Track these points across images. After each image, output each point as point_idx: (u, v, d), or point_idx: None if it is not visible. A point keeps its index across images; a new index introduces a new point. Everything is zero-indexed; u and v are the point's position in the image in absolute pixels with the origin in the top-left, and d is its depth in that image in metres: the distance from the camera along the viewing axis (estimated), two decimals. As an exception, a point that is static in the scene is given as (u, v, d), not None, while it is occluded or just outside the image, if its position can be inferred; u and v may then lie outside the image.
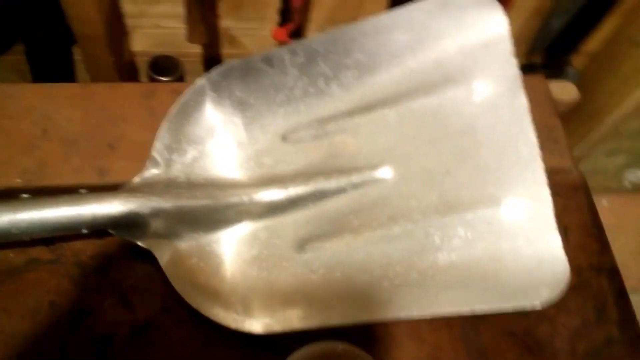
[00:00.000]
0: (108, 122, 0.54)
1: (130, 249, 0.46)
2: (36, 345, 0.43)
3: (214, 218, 0.47)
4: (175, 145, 0.49)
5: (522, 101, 0.44)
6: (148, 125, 0.52)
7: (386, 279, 0.44)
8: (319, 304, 0.43)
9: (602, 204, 1.25)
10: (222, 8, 0.70)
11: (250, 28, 0.74)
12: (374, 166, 0.47)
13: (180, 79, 0.72)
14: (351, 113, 0.49)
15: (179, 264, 0.45)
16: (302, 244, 0.46)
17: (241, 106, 0.50)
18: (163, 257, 0.45)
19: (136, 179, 0.47)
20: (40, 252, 0.46)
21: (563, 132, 0.57)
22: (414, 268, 0.44)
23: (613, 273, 0.51)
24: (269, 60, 0.49)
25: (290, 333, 0.42)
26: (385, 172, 0.47)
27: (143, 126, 0.54)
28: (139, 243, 0.45)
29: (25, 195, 0.44)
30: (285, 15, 0.67)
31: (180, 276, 0.44)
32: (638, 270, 1.08)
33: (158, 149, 0.49)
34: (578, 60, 0.83)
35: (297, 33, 0.69)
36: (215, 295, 0.44)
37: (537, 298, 0.43)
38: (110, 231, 0.45)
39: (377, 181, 0.47)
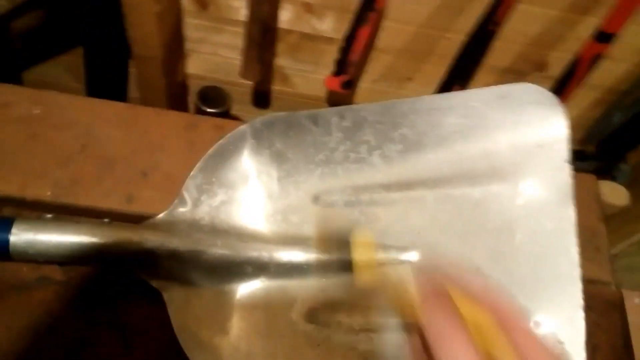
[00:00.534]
0: (146, 149, 0.54)
1: (139, 285, 0.45)
2: (30, 369, 0.42)
3: (230, 270, 0.46)
4: (207, 187, 0.48)
5: (570, 213, 0.42)
6: (184, 158, 0.52)
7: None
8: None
9: (635, 302, 1.19)
10: (280, 47, 0.70)
11: (305, 70, 0.74)
12: (401, 247, 0.45)
13: (227, 111, 0.72)
14: (388, 187, 0.47)
15: (185, 311, 0.44)
16: (311, 313, 0.44)
17: (279, 159, 0.49)
18: (171, 300, 0.44)
19: (160, 216, 0.47)
20: (52, 271, 0.46)
21: (607, 240, 0.54)
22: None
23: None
24: (314, 119, 0.48)
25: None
26: (412, 256, 0.45)
27: (179, 159, 0.54)
28: (151, 282, 0.44)
29: (48, 216, 0.44)
30: (341, 66, 0.66)
31: (185, 325, 0.43)
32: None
33: (189, 188, 0.48)
34: (632, 157, 0.79)
35: (349, 84, 0.68)
36: (216, 353, 0.42)
37: None
38: (124, 265, 0.44)
39: (402, 263, 0.45)
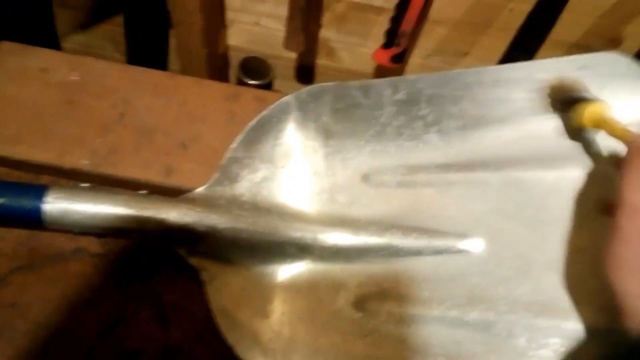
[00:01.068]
0: (186, 119, 0.51)
1: (177, 262, 0.43)
2: (65, 344, 0.40)
3: (271, 250, 0.43)
4: (247, 161, 0.45)
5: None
6: (225, 130, 0.50)
7: (447, 371, 0.38)
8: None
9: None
10: (326, 18, 0.66)
11: (352, 43, 0.70)
12: (461, 234, 0.41)
13: (269, 83, 0.68)
14: (446, 167, 0.43)
15: (224, 292, 0.41)
16: (359, 301, 0.41)
17: (325, 133, 0.45)
18: (210, 280, 0.41)
19: (200, 190, 0.44)
20: (89, 243, 0.44)
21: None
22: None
23: None
24: (366, 90, 0.44)
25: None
26: (473, 245, 0.41)
27: (220, 130, 0.51)
28: (188, 259, 0.42)
29: (84, 185, 0.42)
30: (391, 37, 0.62)
31: (223, 306, 0.40)
32: None
33: (229, 161, 0.45)
34: None
35: (400, 58, 0.64)
36: (255, 337, 0.39)
37: None
38: (163, 240, 0.42)
39: (461, 252, 0.41)
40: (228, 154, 0.46)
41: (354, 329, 0.40)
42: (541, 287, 0.38)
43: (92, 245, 0.44)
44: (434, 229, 0.42)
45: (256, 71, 0.68)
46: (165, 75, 0.54)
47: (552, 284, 0.38)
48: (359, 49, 0.70)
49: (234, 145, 0.46)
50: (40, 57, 0.52)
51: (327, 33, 0.69)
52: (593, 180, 0.39)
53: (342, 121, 0.45)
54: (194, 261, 0.42)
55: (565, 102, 0.37)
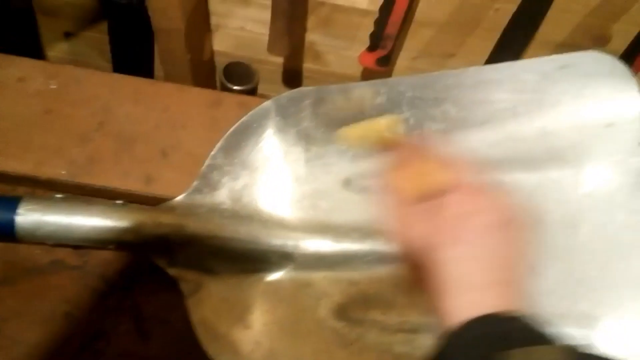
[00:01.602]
0: (167, 126, 0.51)
1: (157, 272, 0.42)
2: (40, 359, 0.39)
3: (253, 258, 0.42)
4: (228, 168, 0.45)
5: (644, 204, 0.36)
6: (207, 137, 0.49)
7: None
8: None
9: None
10: (311, 21, 0.66)
11: (337, 46, 0.69)
12: (443, 239, 0.40)
13: (254, 89, 0.68)
14: (428, 171, 0.42)
15: (204, 302, 0.40)
16: (342, 309, 0.40)
17: (307, 138, 0.45)
18: (189, 291, 0.40)
19: (179, 198, 0.43)
20: (66, 255, 0.43)
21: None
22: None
23: None
24: (346, 94, 0.44)
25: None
26: (455, 249, 0.40)
27: (202, 137, 0.51)
28: (167, 270, 0.41)
29: (58, 195, 0.41)
30: (376, 40, 0.61)
31: (203, 317, 0.40)
32: None
33: (209, 169, 0.44)
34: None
35: (386, 60, 0.63)
36: (236, 348, 0.39)
37: None
38: (141, 251, 0.41)
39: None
40: (208, 161, 0.45)
41: (337, 338, 0.39)
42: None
43: (70, 257, 0.43)
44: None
45: (240, 76, 0.67)
46: (146, 82, 0.53)
47: (536, 289, 0.37)
48: (345, 52, 0.70)
49: (213, 152, 0.45)
50: (17, 66, 0.51)
51: (313, 36, 0.69)
52: (577, 181, 0.38)
53: (323, 125, 0.45)
54: (173, 272, 0.41)
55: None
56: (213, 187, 0.44)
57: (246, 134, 0.45)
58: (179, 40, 0.58)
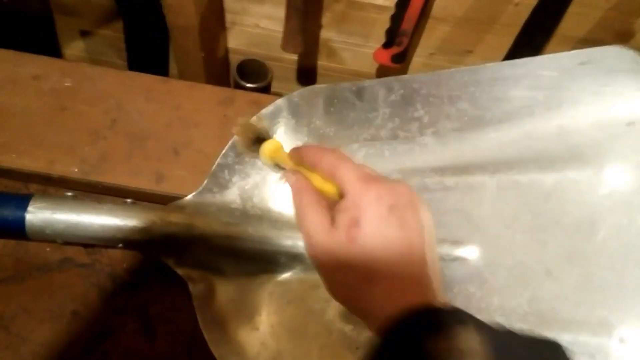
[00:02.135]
0: (179, 124, 0.50)
1: (166, 272, 0.41)
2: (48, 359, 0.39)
3: (262, 259, 0.41)
4: (238, 167, 0.44)
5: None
6: (219, 135, 0.48)
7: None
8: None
9: None
10: (326, 18, 0.65)
11: (353, 43, 0.68)
12: (457, 241, 0.39)
13: (267, 86, 0.67)
14: (443, 171, 0.41)
15: (212, 303, 0.40)
16: (348, 312, 0.39)
17: (318, 137, 0.44)
18: (197, 291, 0.40)
19: (188, 197, 0.43)
20: (76, 253, 0.43)
21: None
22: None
23: None
24: (359, 92, 0.43)
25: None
26: (469, 252, 0.39)
27: (214, 135, 0.50)
28: (176, 270, 0.40)
29: (68, 194, 0.41)
30: (392, 36, 0.60)
31: (211, 317, 0.39)
32: None
33: (219, 168, 0.44)
34: None
35: (401, 57, 0.62)
36: (242, 350, 0.38)
37: None
38: (150, 249, 0.41)
39: (457, 260, 0.39)
40: (219, 160, 0.44)
41: (345, 341, 0.38)
42: (538, 297, 0.36)
43: (79, 255, 0.43)
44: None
45: (254, 74, 0.66)
46: (158, 79, 0.53)
47: (551, 293, 0.35)
48: (361, 49, 0.69)
49: (224, 151, 0.44)
50: (33, 64, 0.52)
51: (328, 33, 0.68)
52: (596, 182, 0.37)
53: (335, 124, 0.44)
54: (181, 271, 0.40)
55: (253, 142, 0.37)
56: (223, 186, 0.44)
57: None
58: (193, 38, 0.58)
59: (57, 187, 0.46)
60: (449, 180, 0.41)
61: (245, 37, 0.70)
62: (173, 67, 0.73)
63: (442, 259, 0.39)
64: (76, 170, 0.47)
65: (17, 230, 0.38)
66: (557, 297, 0.35)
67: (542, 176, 0.38)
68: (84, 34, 0.76)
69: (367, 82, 0.42)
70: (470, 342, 0.22)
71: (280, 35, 0.64)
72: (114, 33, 0.73)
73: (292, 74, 0.75)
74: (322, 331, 0.39)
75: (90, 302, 0.41)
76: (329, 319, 0.39)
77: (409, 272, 0.27)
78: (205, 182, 0.43)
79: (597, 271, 0.35)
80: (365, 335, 0.38)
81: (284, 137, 0.44)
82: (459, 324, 0.23)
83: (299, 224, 0.31)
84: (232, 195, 0.44)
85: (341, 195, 0.30)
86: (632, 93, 0.36)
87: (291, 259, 0.41)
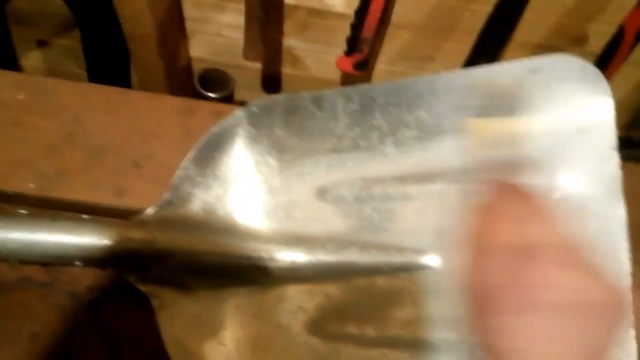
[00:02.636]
0: (139, 137, 0.50)
1: (128, 288, 0.41)
2: (4, 381, 0.38)
3: (227, 272, 0.41)
4: (200, 179, 0.44)
5: (619, 211, 0.35)
6: (180, 147, 0.48)
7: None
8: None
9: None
10: (288, 25, 0.65)
11: (316, 51, 0.68)
12: (420, 250, 0.40)
13: (230, 96, 0.67)
14: (404, 180, 0.41)
15: (176, 319, 0.39)
16: (317, 324, 0.39)
17: (280, 148, 0.44)
18: (161, 307, 0.39)
19: (149, 211, 0.42)
20: (34, 272, 0.42)
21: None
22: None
23: None
24: (318, 102, 0.43)
25: None
26: (432, 260, 0.39)
27: (175, 147, 0.50)
28: (138, 286, 0.40)
29: (22, 211, 0.40)
30: (353, 44, 0.61)
31: (175, 334, 0.39)
32: None
33: (180, 180, 0.43)
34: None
35: (364, 64, 0.63)
36: (207, 365, 0.38)
37: None
38: (110, 267, 0.40)
39: (421, 269, 0.39)
40: (179, 172, 0.44)
41: (312, 354, 0.38)
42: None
43: (38, 274, 0.42)
44: (393, 244, 0.40)
45: (217, 83, 0.66)
46: (117, 91, 0.52)
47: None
48: (324, 56, 0.69)
49: (184, 163, 0.44)
50: (-17, 77, 0.50)
51: (290, 41, 0.68)
52: (550, 187, 0.38)
53: (296, 134, 0.44)
54: (144, 288, 0.40)
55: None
56: (185, 199, 0.43)
57: (218, 144, 0.44)
58: (152, 47, 0.57)
59: (12, 204, 0.45)
60: (411, 189, 0.41)
61: (208, 45, 0.69)
62: (136, 76, 0.72)
63: (405, 267, 0.39)
64: (32, 185, 0.46)
65: (-31, 252, 0.36)
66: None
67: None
68: (42, 44, 0.74)
69: (326, 92, 0.42)
70: None
71: (242, 44, 0.64)
72: (73, 42, 0.72)
73: (257, 82, 0.75)
74: (289, 345, 0.39)
75: (50, 322, 0.41)
76: (296, 332, 0.39)
77: None
78: (166, 195, 0.43)
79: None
80: (332, 347, 0.38)
81: (245, 148, 0.44)
82: None
83: None
84: (194, 208, 0.43)
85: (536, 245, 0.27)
86: (581, 101, 0.37)
87: (256, 271, 0.41)
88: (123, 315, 0.41)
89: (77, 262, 0.39)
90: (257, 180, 0.44)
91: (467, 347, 0.36)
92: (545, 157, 0.38)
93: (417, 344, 0.37)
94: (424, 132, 0.41)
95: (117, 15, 0.57)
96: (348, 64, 0.62)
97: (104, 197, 0.46)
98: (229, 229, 0.43)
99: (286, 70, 0.72)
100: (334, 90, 0.42)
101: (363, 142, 0.43)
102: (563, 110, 0.38)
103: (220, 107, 0.53)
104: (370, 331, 0.38)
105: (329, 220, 0.42)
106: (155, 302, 0.39)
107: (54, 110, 0.49)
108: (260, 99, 0.43)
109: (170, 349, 0.38)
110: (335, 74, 0.70)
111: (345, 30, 0.62)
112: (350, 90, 0.42)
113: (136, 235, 0.40)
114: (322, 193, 0.43)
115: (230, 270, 0.41)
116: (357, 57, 0.61)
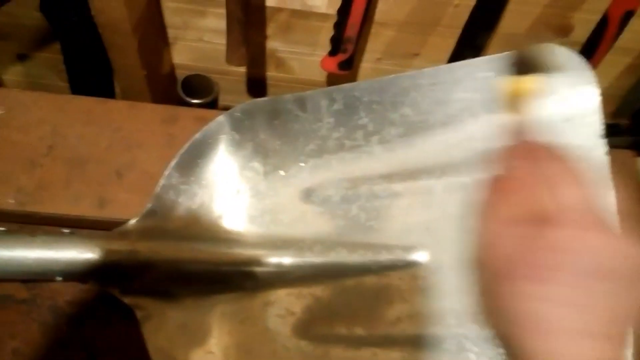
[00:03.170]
0: (120, 146, 0.49)
1: (112, 301, 0.40)
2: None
3: (214, 279, 0.40)
4: (184, 187, 0.43)
5: (609, 199, 0.34)
6: (163, 155, 0.47)
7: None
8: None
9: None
10: (271, 28, 0.64)
11: (300, 52, 0.68)
12: (408, 247, 0.39)
13: (214, 101, 0.66)
14: (390, 177, 0.41)
15: (162, 330, 0.38)
16: (306, 327, 0.39)
17: (264, 151, 0.43)
18: (146, 318, 0.38)
19: (132, 222, 0.41)
20: (15, 289, 0.41)
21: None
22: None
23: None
24: (302, 103, 0.42)
25: None
26: (420, 257, 0.39)
27: (158, 155, 0.49)
28: (122, 299, 0.39)
29: (1, 229, 0.39)
30: (337, 43, 0.60)
31: (161, 345, 0.38)
32: None
33: (163, 189, 0.42)
34: (672, 128, 0.71)
35: (349, 64, 0.62)
36: (195, 377, 0.37)
37: None
38: (91, 280, 0.39)
39: (408, 266, 0.39)
40: (162, 181, 0.43)
41: (302, 357, 0.37)
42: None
43: (18, 291, 0.41)
44: (381, 243, 0.40)
45: (200, 89, 0.65)
46: (97, 101, 0.51)
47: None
48: (308, 57, 0.68)
49: (167, 171, 0.43)
50: (-41, 92, 0.49)
51: (274, 44, 0.67)
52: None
53: (280, 137, 0.43)
54: (128, 300, 0.39)
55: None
56: (169, 207, 0.42)
57: (201, 151, 0.43)
58: (133, 56, 0.56)
59: (-8, 221, 0.44)
60: (397, 186, 0.41)
61: (190, 52, 0.68)
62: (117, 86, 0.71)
63: (394, 265, 0.39)
64: (12, 201, 0.45)
65: (-55, 271, 0.35)
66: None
67: (487, 176, 0.38)
68: (22, 57, 0.73)
69: (308, 93, 0.42)
70: None
71: (225, 48, 0.63)
72: (53, 55, 0.71)
73: (242, 87, 0.74)
74: (278, 349, 0.38)
75: (31, 338, 0.39)
76: (285, 336, 0.38)
77: (598, 336, 0.24)
78: (149, 205, 0.42)
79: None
80: (322, 349, 0.38)
81: (229, 153, 0.43)
82: None
83: None
84: (178, 217, 0.42)
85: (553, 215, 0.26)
86: (566, 90, 0.36)
87: (243, 277, 0.40)
88: (106, 328, 0.40)
89: (57, 277, 0.38)
90: (242, 185, 0.43)
91: (456, 341, 0.36)
92: (532, 148, 0.37)
93: (406, 341, 0.36)
94: (409, 128, 0.41)
95: (95, 25, 0.56)
96: (333, 64, 0.61)
97: (86, 209, 0.45)
98: (214, 236, 0.42)
99: (271, 73, 0.71)
100: (317, 91, 0.42)
101: (348, 141, 0.42)
102: (548, 100, 0.37)
103: (203, 112, 0.52)
104: (359, 331, 0.38)
105: (316, 221, 0.42)
106: (139, 314, 0.38)
107: (33, 123, 0.48)
108: (243, 104, 0.42)
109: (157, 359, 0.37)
110: (320, 75, 0.70)
111: (328, 31, 0.61)
112: (333, 90, 0.41)
113: (118, 247, 0.39)
114: (308, 195, 0.42)
115: (216, 277, 0.40)
116: (341, 56, 0.61)
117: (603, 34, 0.57)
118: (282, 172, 0.43)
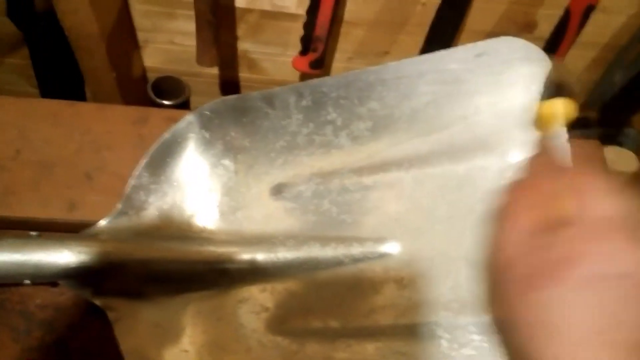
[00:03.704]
0: (90, 148, 0.48)
1: (84, 304, 0.39)
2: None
3: (187, 278, 0.40)
4: (154, 187, 0.43)
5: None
6: (134, 156, 0.46)
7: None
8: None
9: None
10: (241, 29, 0.64)
11: (271, 53, 0.68)
12: (379, 239, 0.39)
13: (186, 102, 0.66)
14: (360, 171, 0.41)
15: (135, 330, 0.38)
16: (279, 322, 0.39)
17: (234, 149, 0.43)
18: (117, 319, 0.38)
19: (101, 224, 0.41)
20: (-17, 295, 0.40)
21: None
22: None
23: None
24: (270, 100, 0.42)
25: None
26: (391, 247, 0.39)
27: (128, 157, 0.48)
28: (93, 300, 0.38)
29: (-34, 234, 0.38)
30: (307, 43, 0.60)
31: (134, 346, 0.37)
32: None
33: (133, 189, 0.42)
34: (638, 120, 0.73)
35: (319, 63, 0.62)
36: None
37: None
38: (61, 282, 0.39)
39: (381, 257, 0.39)
40: (132, 181, 0.43)
41: (278, 352, 0.37)
42: (460, 284, 0.36)
43: (-13, 296, 0.40)
44: (353, 236, 0.40)
45: (171, 91, 0.65)
46: (64, 104, 0.51)
47: (470, 279, 0.36)
48: (280, 58, 0.68)
49: (137, 171, 0.43)
50: None
51: (245, 45, 0.67)
52: (502, 168, 0.38)
53: (250, 134, 0.43)
54: (99, 301, 0.38)
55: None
56: (139, 208, 0.42)
57: (171, 150, 0.43)
58: (101, 60, 0.56)
59: (-42, 226, 0.43)
60: (368, 180, 0.41)
61: (161, 54, 0.68)
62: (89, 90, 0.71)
63: (366, 257, 0.39)
64: (-21, 206, 0.44)
65: None
66: (475, 282, 0.36)
67: (454, 167, 0.39)
68: (-12, 63, 0.72)
69: (277, 90, 0.42)
70: None
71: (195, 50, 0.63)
72: (22, 61, 0.70)
73: (215, 88, 0.74)
74: (253, 345, 0.38)
75: (2, 345, 0.39)
76: (260, 332, 0.38)
77: (614, 342, 0.23)
78: (119, 205, 0.42)
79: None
80: (297, 344, 0.38)
81: (199, 152, 0.43)
82: None
83: None
84: (149, 216, 0.42)
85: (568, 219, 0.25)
86: (526, 81, 0.37)
87: (217, 274, 0.40)
88: (80, 332, 0.40)
89: (26, 281, 0.38)
90: (213, 183, 0.43)
91: (427, 330, 0.36)
92: (496, 137, 0.38)
93: (380, 332, 0.37)
94: (376, 122, 0.41)
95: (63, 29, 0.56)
96: (304, 64, 0.62)
97: (56, 212, 0.45)
98: (186, 235, 0.42)
99: (243, 74, 0.71)
100: (284, 87, 0.42)
101: (317, 137, 0.42)
102: (509, 92, 0.38)
103: (174, 113, 0.52)
104: (334, 324, 0.38)
105: (288, 217, 0.42)
106: (111, 315, 0.38)
107: (0, 127, 0.48)
108: (211, 102, 0.42)
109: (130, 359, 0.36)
110: (293, 76, 0.70)
111: (298, 31, 0.61)
112: (301, 86, 0.41)
113: (87, 248, 0.38)
114: (279, 191, 0.42)
115: (189, 276, 0.40)
116: (312, 56, 0.61)
117: (566, 29, 0.59)
118: (253, 169, 0.43)
